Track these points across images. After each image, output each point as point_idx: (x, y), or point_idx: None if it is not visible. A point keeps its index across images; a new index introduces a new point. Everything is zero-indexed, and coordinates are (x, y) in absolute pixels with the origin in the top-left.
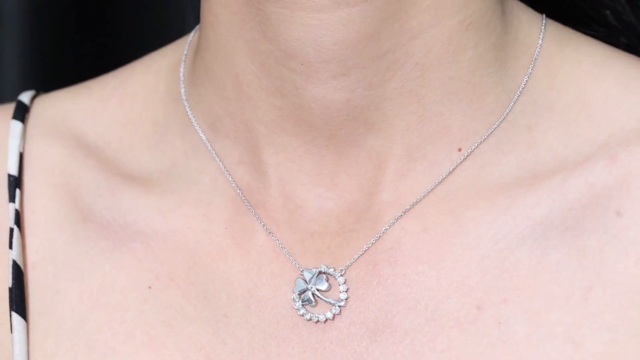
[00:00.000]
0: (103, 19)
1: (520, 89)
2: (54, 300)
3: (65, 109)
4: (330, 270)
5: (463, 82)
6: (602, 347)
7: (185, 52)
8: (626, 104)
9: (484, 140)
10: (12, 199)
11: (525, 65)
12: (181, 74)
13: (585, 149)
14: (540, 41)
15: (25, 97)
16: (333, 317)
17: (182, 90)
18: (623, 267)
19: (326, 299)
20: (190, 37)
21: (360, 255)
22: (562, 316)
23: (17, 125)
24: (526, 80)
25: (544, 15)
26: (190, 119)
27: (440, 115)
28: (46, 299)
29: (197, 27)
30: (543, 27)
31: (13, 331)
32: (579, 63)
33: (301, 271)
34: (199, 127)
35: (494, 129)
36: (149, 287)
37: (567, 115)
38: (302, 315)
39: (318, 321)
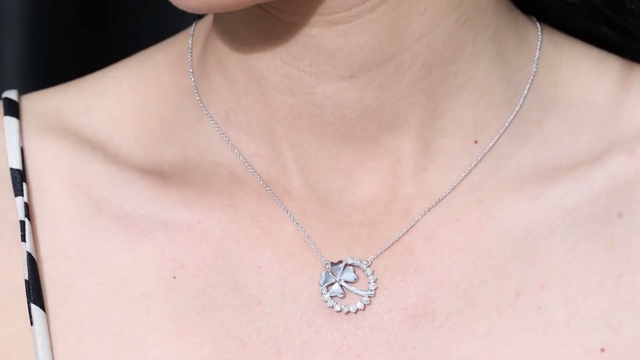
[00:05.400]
0: (103, 19)
1: (528, 85)
2: (71, 292)
3: (55, 105)
4: (357, 262)
5: (467, 77)
6: (638, 332)
7: (190, 44)
8: (628, 103)
9: (502, 133)
10: (19, 192)
11: (527, 62)
12: (190, 65)
13: (597, 145)
14: (539, 40)
15: (11, 95)
16: (364, 308)
17: (192, 81)
18: None
19: (354, 290)
20: (192, 29)
21: (393, 243)
22: (598, 302)
23: (12, 121)
24: (532, 77)
25: (533, 17)
26: (202, 110)
27: (451, 109)
28: (62, 291)
29: (197, 21)
30: (539, 27)
31: (34, 323)
32: (578, 64)
33: (326, 264)
34: (212, 119)
35: (509, 123)
36: (174, 277)
37: (574, 112)
38: (332, 307)
39: (349, 312)
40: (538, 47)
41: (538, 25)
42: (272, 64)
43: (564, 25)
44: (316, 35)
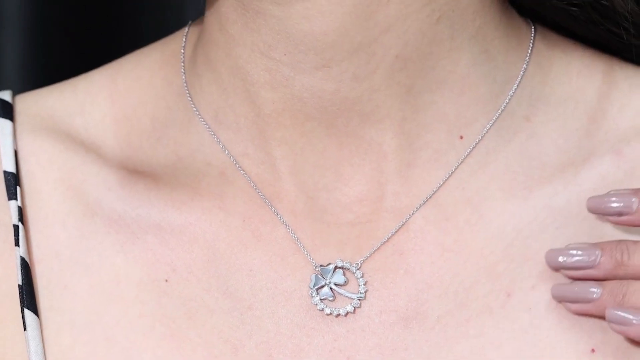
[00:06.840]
0: (103, 19)
1: (517, 82)
2: (63, 295)
3: (49, 106)
4: (347, 264)
5: (447, 71)
6: None
7: (183, 44)
8: (618, 102)
9: (488, 128)
10: (12, 196)
11: (516, 61)
12: (182, 65)
13: (585, 143)
14: (531, 39)
15: (5, 96)
16: (354, 310)
17: (184, 80)
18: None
19: (344, 293)
20: (187, 30)
21: (382, 244)
22: None
23: (6, 123)
24: (522, 75)
25: (528, 19)
26: (193, 110)
27: (434, 103)
28: (54, 294)
29: (191, 22)
30: (532, 27)
31: (27, 328)
32: (569, 63)
33: (315, 267)
34: (202, 119)
35: (496, 118)
36: (166, 280)
37: (563, 109)
38: (322, 310)
39: (339, 315)
40: (530, 46)
41: (532, 25)
42: (252, 57)
43: (560, 26)
44: (280, 16)
